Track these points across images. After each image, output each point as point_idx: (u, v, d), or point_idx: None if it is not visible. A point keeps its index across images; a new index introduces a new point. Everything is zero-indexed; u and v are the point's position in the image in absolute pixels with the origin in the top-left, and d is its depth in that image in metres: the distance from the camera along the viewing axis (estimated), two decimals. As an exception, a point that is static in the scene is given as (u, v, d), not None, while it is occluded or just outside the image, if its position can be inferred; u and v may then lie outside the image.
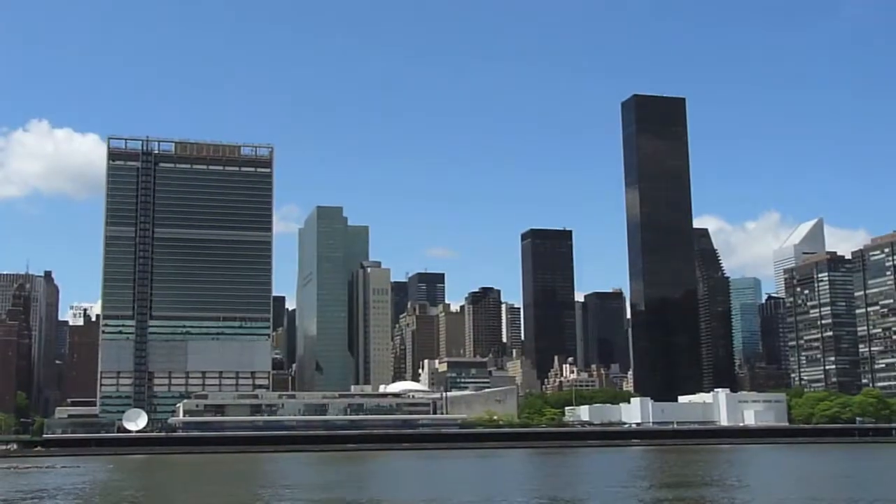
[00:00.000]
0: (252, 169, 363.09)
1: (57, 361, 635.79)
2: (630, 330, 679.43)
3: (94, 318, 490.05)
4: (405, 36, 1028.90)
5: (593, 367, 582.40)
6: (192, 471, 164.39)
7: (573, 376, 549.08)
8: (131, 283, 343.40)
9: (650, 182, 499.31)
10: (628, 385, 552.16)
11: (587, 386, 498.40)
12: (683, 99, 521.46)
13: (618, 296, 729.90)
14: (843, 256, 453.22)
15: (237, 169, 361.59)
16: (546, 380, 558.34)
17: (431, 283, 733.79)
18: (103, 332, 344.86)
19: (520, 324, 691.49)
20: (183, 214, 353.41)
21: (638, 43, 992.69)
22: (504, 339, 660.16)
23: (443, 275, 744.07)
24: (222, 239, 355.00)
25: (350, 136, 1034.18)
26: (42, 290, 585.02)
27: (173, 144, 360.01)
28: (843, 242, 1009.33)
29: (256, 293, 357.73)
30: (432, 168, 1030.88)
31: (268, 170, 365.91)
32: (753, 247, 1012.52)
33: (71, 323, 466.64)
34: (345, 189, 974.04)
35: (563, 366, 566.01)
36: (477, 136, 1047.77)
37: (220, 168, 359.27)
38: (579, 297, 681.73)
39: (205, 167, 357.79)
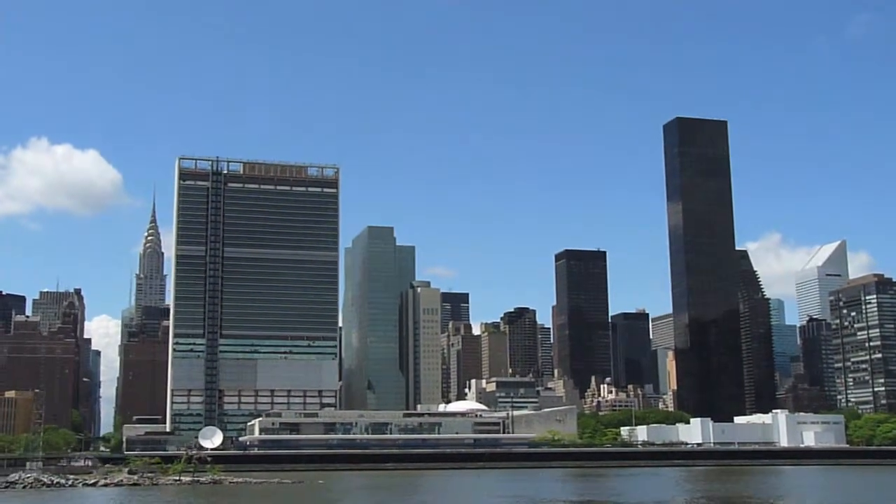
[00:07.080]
0: (319, 189, 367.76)
1: (84, 379, 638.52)
2: (661, 350, 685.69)
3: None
4: (450, 60, 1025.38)
5: (629, 386, 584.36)
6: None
7: (611, 396, 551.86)
8: (202, 302, 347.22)
9: (693, 204, 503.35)
10: (664, 405, 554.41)
11: (625, 406, 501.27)
12: (725, 122, 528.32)
13: (643, 316, 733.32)
14: (890, 279, 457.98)
15: (304, 189, 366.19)
16: (584, 399, 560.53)
17: (456, 303, 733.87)
18: (174, 349, 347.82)
19: (550, 344, 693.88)
20: (251, 234, 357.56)
21: (679, 65, 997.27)
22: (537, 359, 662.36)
23: (467, 294, 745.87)
24: (290, 258, 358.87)
25: (390, 156, 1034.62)
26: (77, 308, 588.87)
27: (241, 165, 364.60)
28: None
29: (323, 312, 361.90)
30: (469, 188, 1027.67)
31: (334, 190, 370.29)
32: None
33: (127, 341, 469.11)
34: (389, 209, 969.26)
35: (601, 385, 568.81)
36: (512, 155, 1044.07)
37: (288, 188, 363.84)
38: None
39: (272, 187, 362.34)
